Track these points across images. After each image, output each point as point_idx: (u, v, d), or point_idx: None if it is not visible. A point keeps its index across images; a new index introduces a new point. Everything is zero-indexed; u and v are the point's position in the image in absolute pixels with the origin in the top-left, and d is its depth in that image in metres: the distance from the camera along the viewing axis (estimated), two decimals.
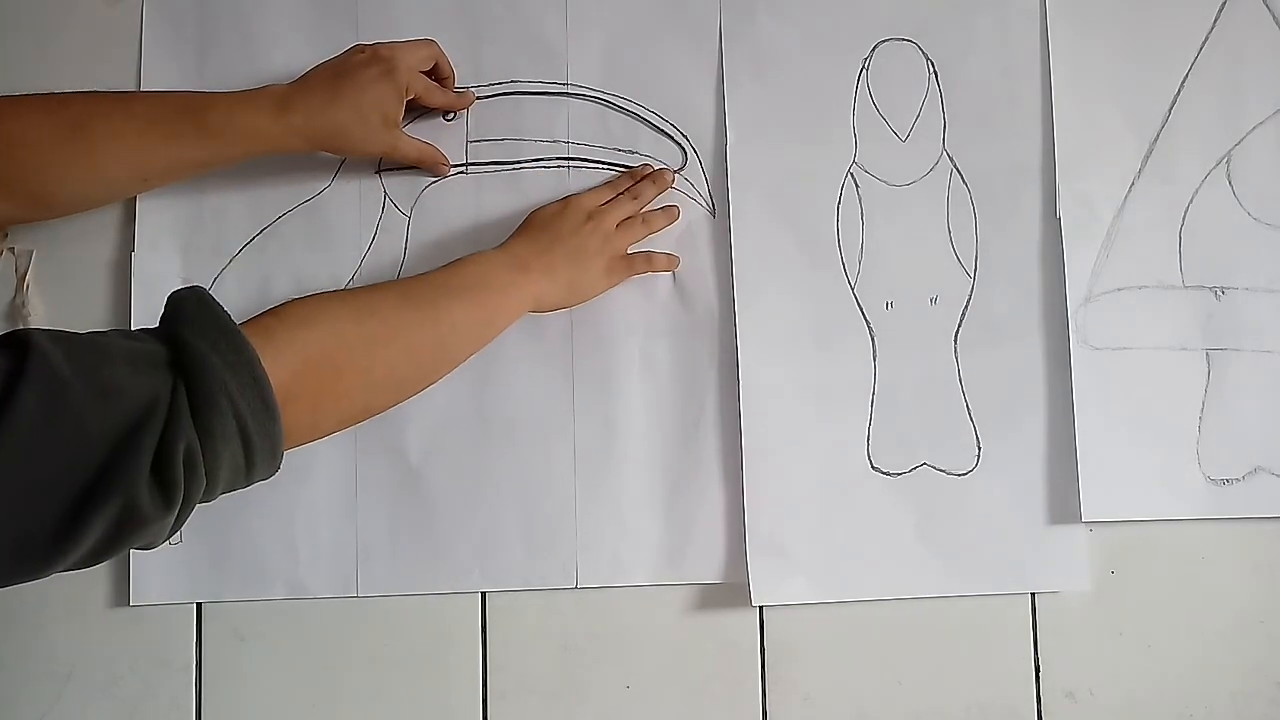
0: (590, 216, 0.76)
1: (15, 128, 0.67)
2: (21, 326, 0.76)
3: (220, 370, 0.51)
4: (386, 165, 0.80)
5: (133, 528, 0.49)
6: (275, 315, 0.58)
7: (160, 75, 0.81)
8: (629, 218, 0.78)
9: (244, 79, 0.80)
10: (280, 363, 0.54)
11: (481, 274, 0.71)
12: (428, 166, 0.79)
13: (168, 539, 0.53)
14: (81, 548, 0.48)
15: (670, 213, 0.80)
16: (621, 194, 0.79)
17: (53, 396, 0.46)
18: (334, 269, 0.79)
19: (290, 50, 0.81)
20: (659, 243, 0.80)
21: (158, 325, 0.54)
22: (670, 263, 0.79)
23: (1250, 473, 0.79)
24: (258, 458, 0.53)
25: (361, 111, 0.74)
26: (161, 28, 0.81)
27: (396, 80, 0.74)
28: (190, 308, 0.54)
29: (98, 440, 0.47)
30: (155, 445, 0.49)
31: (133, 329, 0.55)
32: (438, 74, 0.79)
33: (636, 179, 0.79)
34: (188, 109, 0.72)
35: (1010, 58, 0.81)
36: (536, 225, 0.76)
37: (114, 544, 0.50)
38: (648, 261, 0.79)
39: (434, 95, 0.78)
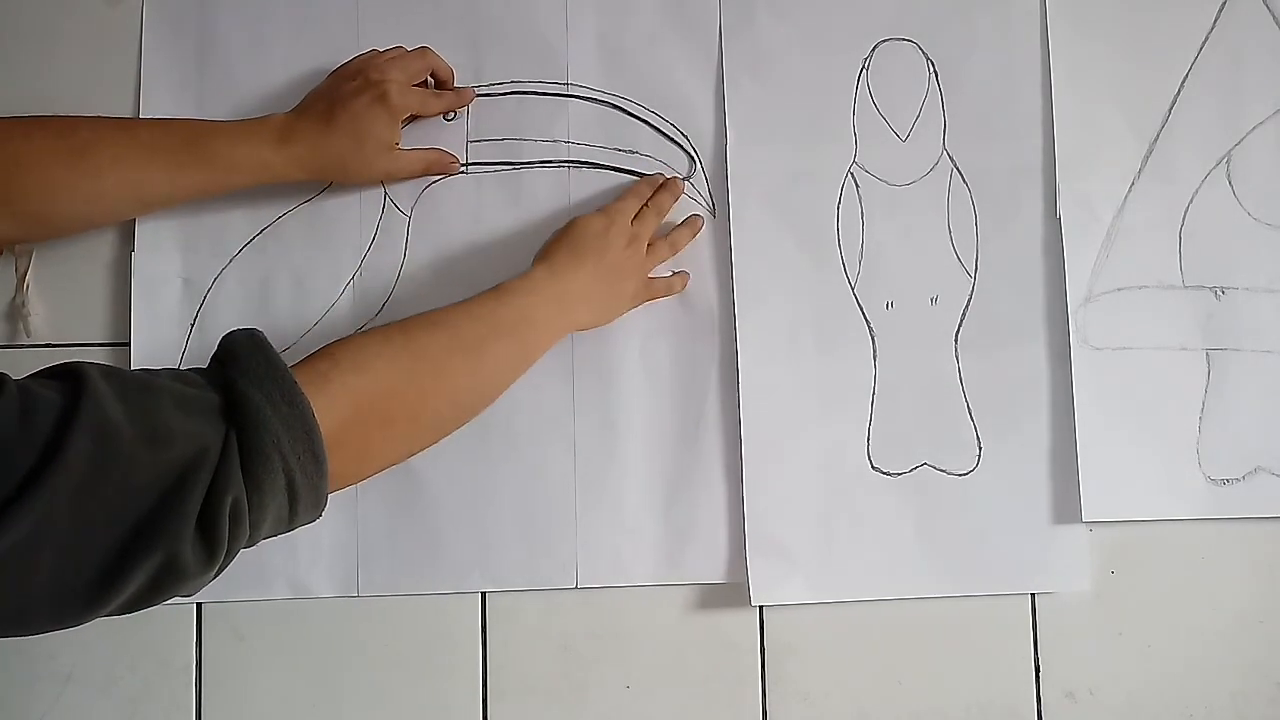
0: (630, 239, 0.75)
1: (21, 149, 0.67)
2: (21, 326, 0.77)
3: (274, 423, 0.50)
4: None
5: (173, 580, 0.48)
6: (330, 359, 0.57)
7: (160, 76, 0.81)
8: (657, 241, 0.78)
9: (244, 80, 0.81)
10: (332, 412, 0.54)
11: (525, 309, 0.69)
12: (436, 171, 0.79)
13: (204, 587, 0.52)
14: (120, 598, 0.47)
15: (694, 224, 0.79)
16: (646, 205, 0.78)
17: (104, 441, 0.45)
18: (334, 269, 0.79)
19: (291, 52, 0.81)
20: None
21: (210, 366, 0.54)
22: (685, 282, 0.79)
23: (1250, 473, 0.79)
24: (301, 507, 0.53)
25: (357, 141, 0.74)
26: (161, 29, 0.81)
27: (390, 104, 0.74)
28: (245, 353, 0.53)
29: (145, 489, 0.46)
30: (202, 497, 0.47)
31: (184, 370, 0.53)
32: (436, 77, 0.79)
33: (655, 187, 0.79)
34: (191, 137, 0.72)
35: (1010, 57, 0.81)
36: (580, 242, 0.74)
37: (153, 595, 0.49)
38: (668, 286, 0.78)
39: (432, 105, 0.78)
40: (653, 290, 0.78)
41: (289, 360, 0.55)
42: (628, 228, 0.76)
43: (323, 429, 0.52)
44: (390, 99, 0.74)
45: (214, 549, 0.48)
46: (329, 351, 0.59)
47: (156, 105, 0.80)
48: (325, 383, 0.55)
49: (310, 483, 0.52)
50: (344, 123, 0.74)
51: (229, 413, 0.50)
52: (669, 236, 0.78)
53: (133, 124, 0.77)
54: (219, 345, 0.55)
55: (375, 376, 0.58)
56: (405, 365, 0.61)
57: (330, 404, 0.54)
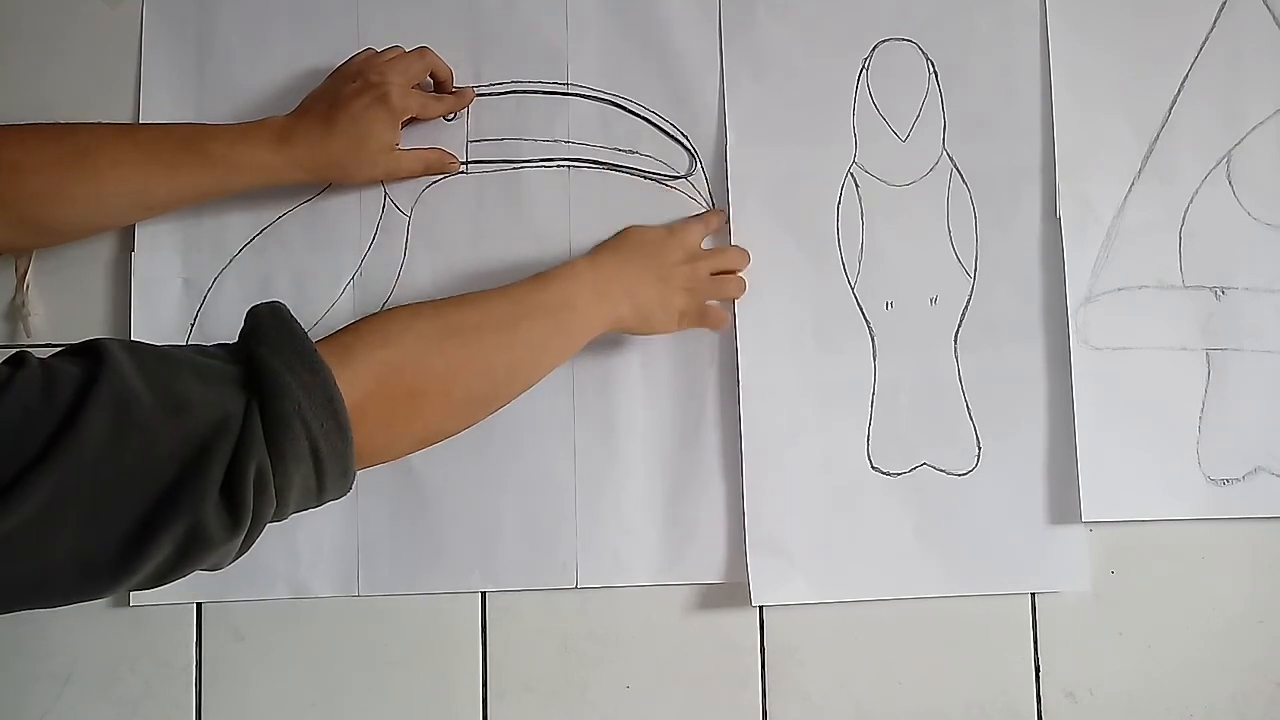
0: (691, 258, 0.76)
1: (19, 154, 0.68)
2: (22, 326, 0.77)
3: (295, 390, 0.50)
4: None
5: (199, 549, 0.48)
6: (354, 332, 0.58)
7: (160, 78, 0.81)
8: (725, 272, 0.78)
9: (244, 82, 0.81)
10: (355, 383, 0.53)
11: (566, 294, 0.69)
12: (436, 172, 0.79)
13: (235, 559, 0.52)
14: (147, 567, 0.47)
15: (740, 284, 0.79)
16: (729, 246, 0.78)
17: (124, 410, 0.46)
18: (334, 269, 0.79)
19: (291, 52, 0.81)
20: None
21: (235, 341, 0.54)
22: (725, 321, 0.78)
23: (1250, 473, 0.79)
24: (329, 479, 0.52)
25: (357, 143, 0.74)
26: (161, 30, 0.81)
27: (390, 106, 0.74)
28: (266, 323, 0.53)
29: (167, 457, 0.47)
30: (225, 465, 0.48)
31: (206, 345, 0.53)
32: (436, 78, 0.79)
33: (722, 222, 0.79)
34: (191, 140, 0.72)
35: (1010, 58, 0.81)
36: (634, 246, 0.75)
37: (180, 565, 0.49)
38: (718, 319, 0.77)
39: (432, 108, 0.78)
40: (706, 317, 0.76)
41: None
42: (689, 244, 0.76)
43: (346, 400, 0.52)
44: (390, 101, 0.74)
45: (239, 517, 0.48)
46: (354, 325, 0.59)
47: (156, 107, 0.80)
48: (348, 353, 0.55)
49: (336, 452, 0.52)
50: (344, 124, 0.74)
51: (250, 382, 0.50)
52: (738, 276, 0.78)
53: (131, 128, 0.77)
54: (245, 318, 0.54)
55: (401, 350, 0.58)
56: (433, 339, 0.60)
57: (354, 375, 0.54)
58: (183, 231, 0.79)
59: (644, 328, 0.74)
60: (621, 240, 0.76)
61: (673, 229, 0.77)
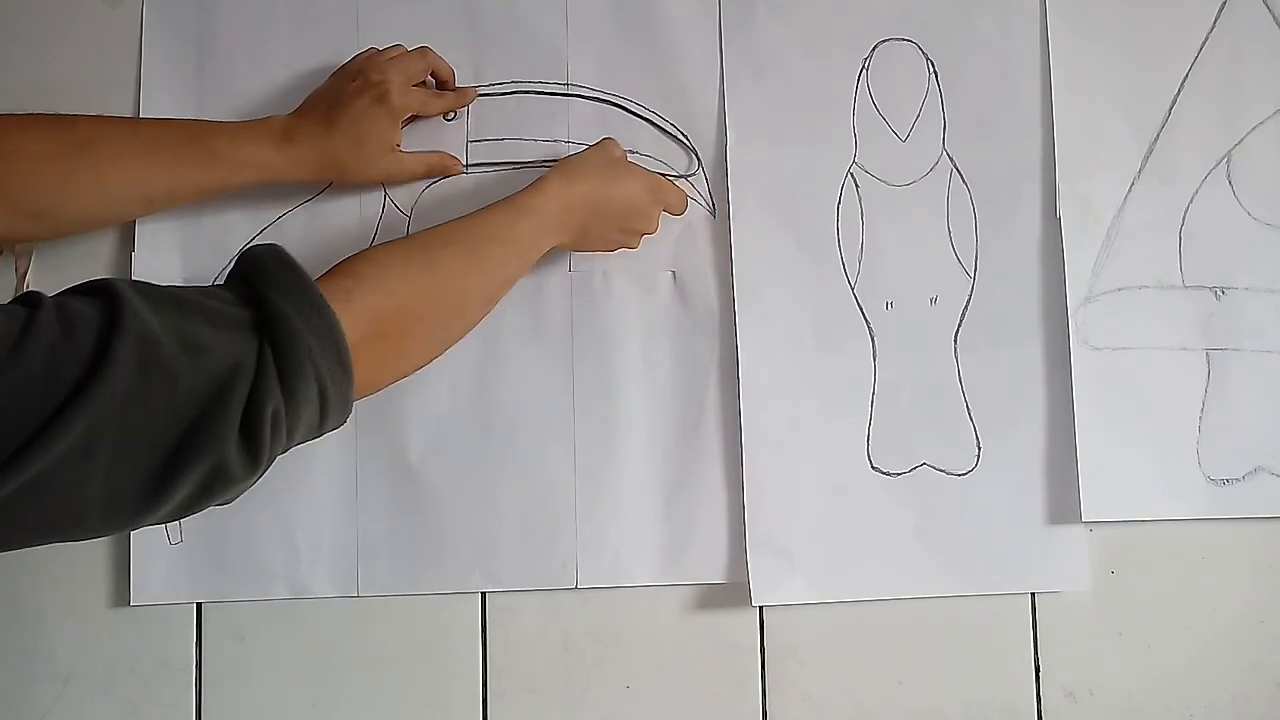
0: (656, 189, 0.76)
1: (20, 142, 0.67)
2: None
3: (306, 336, 0.52)
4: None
5: (221, 486, 0.50)
6: (353, 276, 0.59)
7: (160, 76, 0.81)
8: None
9: (244, 81, 0.81)
10: (356, 328, 0.56)
11: (536, 233, 0.71)
12: (438, 174, 0.79)
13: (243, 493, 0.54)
14: (169, 504, 0.49)
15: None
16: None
17: (147, 350, 0.47)
18: None
19: (291, 52, 0.81)
20: (660, 243, 0.79)
21: (232, 280, 0.55)
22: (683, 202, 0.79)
23: (1250, 473, 0.79)
24: (331, 413, 0.55)
25: (358, 142, 0.74)
26: (161, 29, 0.81)
27: (390, 105, 0.74)
28: (273, 268, 0.55)
29: (189, 397, 0.48)
30: (243, 406, 0.50)
31: (208, 286, 0.55)
32: (437, 77, 0.79)
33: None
34: (194, 135, 0.73)
35: (1010, 58, 0.81)
36: (618, 207, 0.75)
37: (199, 501, 0.51)
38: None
39: (433, 105, 0.78)
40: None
41: None
42: (663, 212, 0.77)
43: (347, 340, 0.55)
44: (391, 99, 0.74)
45: (258, 456, 0.51)
46: (352, 268, 0.60)
47: (156, 106, 0.80)
48: (349, 299, 0.56)
49: (339, 390, 0.54)
50: (345, 124, 0.74)
51: (261, 326, 0.52)
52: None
53: (135, 122, 0.77)
54: (238, 260, 0.56)
55: (396, 295, 0.60)
56: (425, 286, 0.63)
57: (355, 318, 0.56)
58: (182, 231, 0.79)
59: (576, 249, 0.77)
60: (605, 189, 0.74)
61: (658, 196, 0.76)
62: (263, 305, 0.52)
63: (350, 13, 0.82)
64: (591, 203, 0.73)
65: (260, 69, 0.81)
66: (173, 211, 0.78)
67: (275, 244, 0.57)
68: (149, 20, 0.81)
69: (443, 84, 0.80)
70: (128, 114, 0.80)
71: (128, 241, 0.79)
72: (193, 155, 0.71)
